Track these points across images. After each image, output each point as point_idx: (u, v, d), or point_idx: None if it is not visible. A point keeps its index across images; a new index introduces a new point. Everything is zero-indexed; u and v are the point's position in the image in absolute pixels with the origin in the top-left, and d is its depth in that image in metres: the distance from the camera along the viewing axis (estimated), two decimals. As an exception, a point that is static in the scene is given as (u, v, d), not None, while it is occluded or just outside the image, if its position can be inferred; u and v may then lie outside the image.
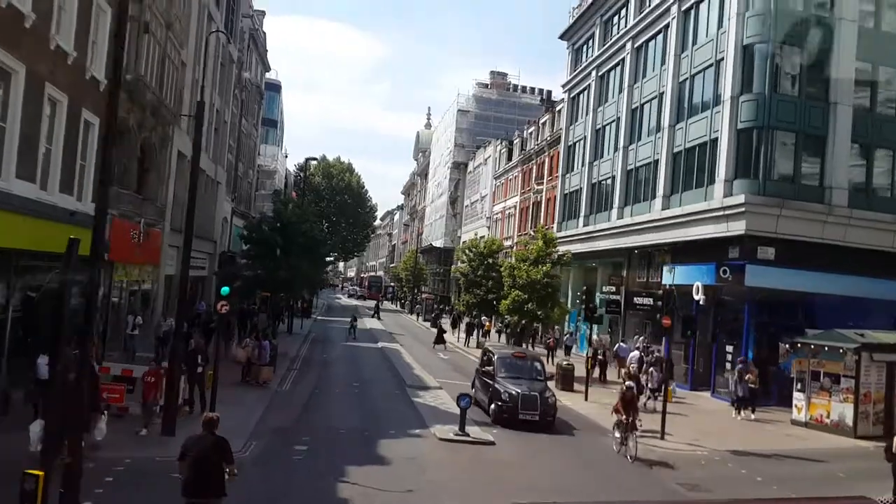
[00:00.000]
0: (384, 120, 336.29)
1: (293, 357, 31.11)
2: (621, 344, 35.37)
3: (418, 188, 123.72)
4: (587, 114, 43.84)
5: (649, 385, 25.05)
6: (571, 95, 47.24)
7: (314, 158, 43.92)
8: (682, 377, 30.41)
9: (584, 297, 27.87)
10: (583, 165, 43.65)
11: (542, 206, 52.92)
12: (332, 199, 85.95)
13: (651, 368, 25.96)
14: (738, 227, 26.51)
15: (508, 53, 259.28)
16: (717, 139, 28.51)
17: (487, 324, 44.37)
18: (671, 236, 31.17)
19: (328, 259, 65.14)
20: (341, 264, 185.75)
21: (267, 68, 56.57)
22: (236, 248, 42.35)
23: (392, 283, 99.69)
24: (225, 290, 15.80)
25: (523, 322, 33.63)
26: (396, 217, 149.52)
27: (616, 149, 38.68)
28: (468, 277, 43.66)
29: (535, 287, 31.01)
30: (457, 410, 17.33)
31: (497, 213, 67.49)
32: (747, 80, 27.33)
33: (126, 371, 17.37)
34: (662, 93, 33.61)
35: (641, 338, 35.06)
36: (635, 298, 34.58)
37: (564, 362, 27.52)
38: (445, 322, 54.78)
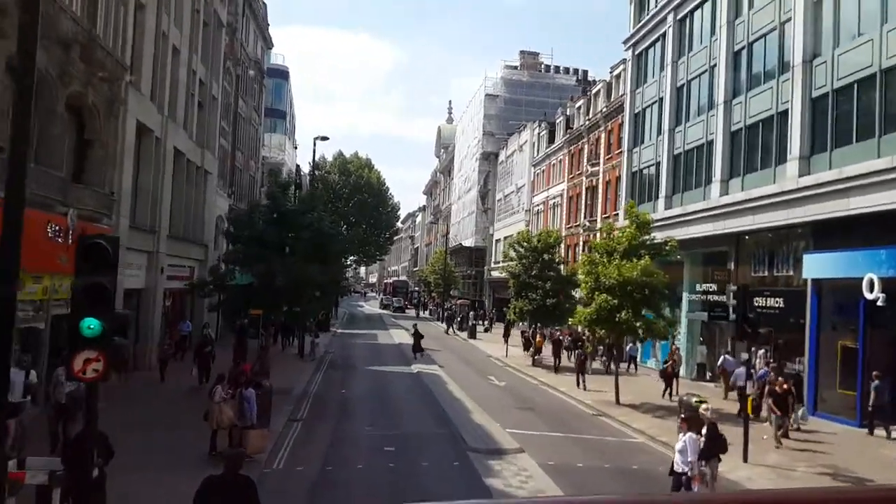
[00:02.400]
0: (400, 127, 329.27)
1: (301, 395, 22.76)
2: (727, 357, 26.98)
3: (442, 186, 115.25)
4: (662, 70, 35.11)
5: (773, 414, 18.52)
6: (637, 52, 38.48)
7: (325, 138, 35.35)
8: (842, 408, 21.70)
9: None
10: (659, 134, 34.93)
11: (600, 190, 44.22)
12: (351, 198, 77.65)
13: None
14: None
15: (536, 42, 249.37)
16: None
17: (539, 339, 35.61)
18: (817, 211, 22.38)
19: (346, 261, 56.15)
20: (363, 269, 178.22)
21: (269, 44, 48.47)
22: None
23: (416, 288, 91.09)
24: (90, 324, 7.30)
25: (606, 338, 24.84)
26: (419, 219, 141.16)
27: (712, 105, 29.92)
28: (520, 279, 35.09)
29: (629, 289, 22.39)
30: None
31: (538, 205, 58.83)
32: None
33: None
34: (789, 19, 24.82)
35: (763, 351, 26.47)
36: (754, 299, 25.90)
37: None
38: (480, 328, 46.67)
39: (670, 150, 33.47)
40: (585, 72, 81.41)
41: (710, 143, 29.80)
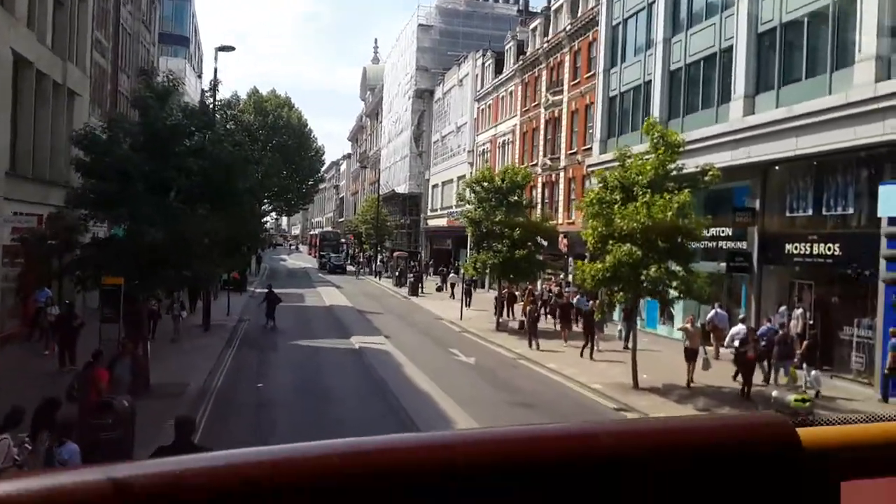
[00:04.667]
0: (322, 79, 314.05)
1: (198, 395, 15.72)
2: (718, 311, 21.99)
3: (368, 131, 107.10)
4: (652, -32, 28.59)
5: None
6: (613, -50, 31.76)
7: (230, 48, 26.99)
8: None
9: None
10: (649, 48, 28.56)
11: (564, 123, 37.81)
12: (269, 141, 68.79)
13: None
14: None
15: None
16: None
17: (528, 298, 29.11)
18: (884, 131, 16.50)
19: (262, 206, 47.43)
20: (284, 220, 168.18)
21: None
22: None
23: (343, 240, 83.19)
24: None
25: (623, 301, 18.36)
26: (343, 167, 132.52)
27: (728, 3, 23.65)
28: (481, 227, 28.49)
29: (659, 236, 16.12)
30: None
31: (483, 144, 52.12)
32: None
33: None
34: None
35: (799, 311, 21.00)
36: (793, 245, 20.32)
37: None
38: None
39: (666, 66, 27.16)
40: (526, 1, 74.18)
41: (727, 51, 23.57)
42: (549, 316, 28.76)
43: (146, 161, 14.45)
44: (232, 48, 27.17)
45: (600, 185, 18.12)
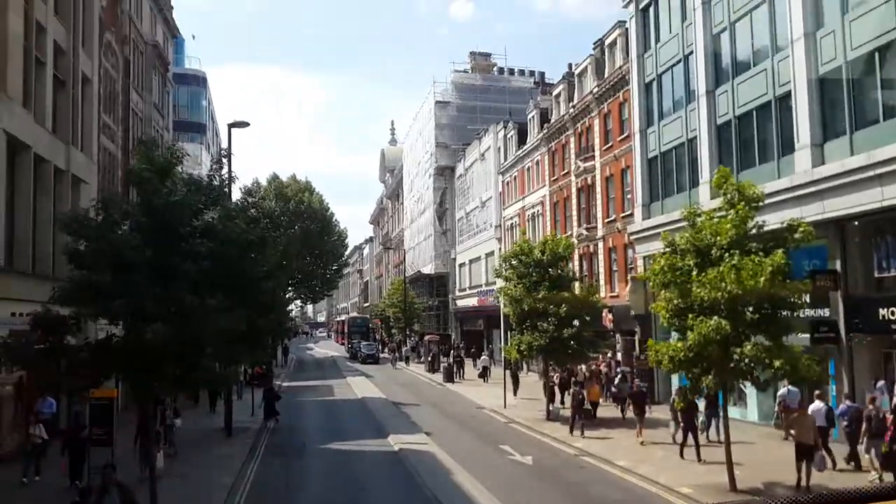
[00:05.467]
0: (337, 164, 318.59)
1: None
2: (790, 389, 19.43)
3: (390, 213, 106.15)
4: (685, 18, 26.95)
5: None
6: (641, 5, 30.32)
7: (244, 124, 24.74)
8: None
9: None
10: (690, 102, 26.68)
11: (598, 189, 35.76)
12: (290, 227, 67.53)
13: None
14: None
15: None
16: None
17: (594, 386, 26.11)
18: None
19: (286, 294, 44.76)
20: (309, 307, 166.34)
21: (172, 31, 38.85)
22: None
23: (372, 326, 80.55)
24: None
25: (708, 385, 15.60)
26: (366, 251, 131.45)
27: (778, 47, 21.74)
28: (523, 305, 26.08)
29: (747, 306, 13.64)
30: None
31: (511, 218, 50.18)
32: None
33: None
34: None
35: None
36: (888, 310, 17.71)
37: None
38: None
39: (712, 120, 25.15)
40: (542, 73, 73.71)
41: (783, 98, 21.51)
42: (609, 401, 25.93)
43: (145, 246, 12.40)
44: (246, 124, 25.57)
45: (668, 250, 15.75)
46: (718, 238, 14.60)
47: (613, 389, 26.43)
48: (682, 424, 18.19)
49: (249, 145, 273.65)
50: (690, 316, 14.45)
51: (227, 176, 15.54)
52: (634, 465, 17.42)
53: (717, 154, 24.97)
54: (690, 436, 17.81)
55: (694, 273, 14.52)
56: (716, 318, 13.71)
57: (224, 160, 18.02)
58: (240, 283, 14.18)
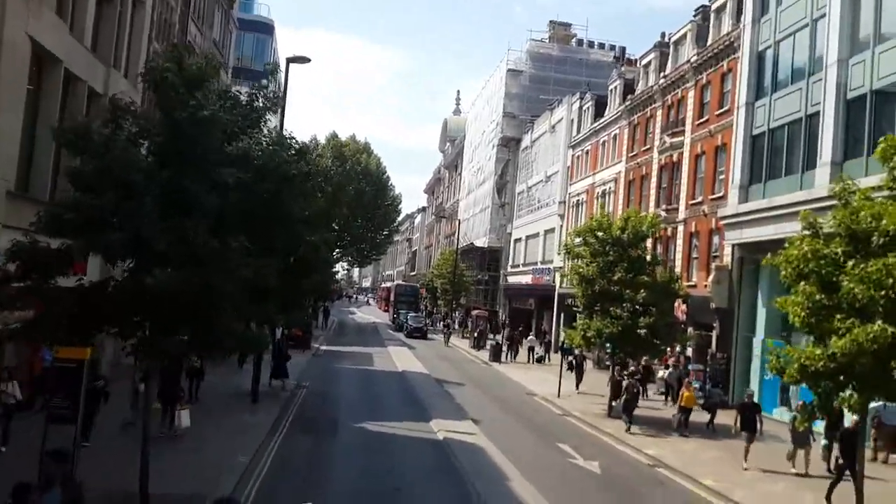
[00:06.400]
0: (401, 136, 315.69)
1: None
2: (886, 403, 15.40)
3: (446, 183, 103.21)
4: (819, -25, 23.13)
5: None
6: (762, -37, 26.46)
7: (305, 59, 22.02)
8: None
9: None
10: (812, 73, 22.98)
11: (685, 168, 32.14)
12: (345, 186, 65.10)
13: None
14: None
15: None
16: None
17: (686, 390, 21.95)
18: None
19: (332, 253, 41.77)
20: (356, 271, 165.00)
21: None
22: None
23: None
24: None
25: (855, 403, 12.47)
26: (417, 220, 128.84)
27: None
28: (594, 286, 22.97)
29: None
30: None
31: (578, 195, 46.70)
32: None
33: None
34: None
35: None
36: None
37: None
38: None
39: (841, 93, 21.43)
40: (623, 48, 69.24)
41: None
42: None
43: (160, 166, 9.74)
44: (307, 59, 22.79)
45: (808, 233, 12.46)
46: (884, 222, 11.26)
47: (698, 394, 22.98)
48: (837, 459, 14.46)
49: (313, 106, 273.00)
50: (838, 317, 11.21)
51: (272, 95, 12.65)
52: (727, 489, 14.32)
53: (844, 133, 21.32)
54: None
55: (850, 264, 11.23)
56: (879, 322, 10.47)
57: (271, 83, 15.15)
58: (273, 227, 11.43)
